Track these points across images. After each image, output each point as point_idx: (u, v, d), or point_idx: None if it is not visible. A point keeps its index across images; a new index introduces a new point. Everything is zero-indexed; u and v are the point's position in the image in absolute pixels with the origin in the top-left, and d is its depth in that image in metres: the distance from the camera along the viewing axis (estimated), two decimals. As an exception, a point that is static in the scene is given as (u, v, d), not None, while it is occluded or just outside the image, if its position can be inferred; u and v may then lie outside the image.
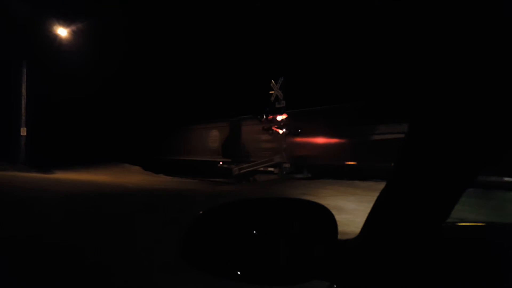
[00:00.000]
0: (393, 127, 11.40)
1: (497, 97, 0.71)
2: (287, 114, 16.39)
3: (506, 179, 9.45)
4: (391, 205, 0.90)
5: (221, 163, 20.48)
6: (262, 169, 17.03)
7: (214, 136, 22.01)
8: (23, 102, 18.54)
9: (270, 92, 17.06)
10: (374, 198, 0.93)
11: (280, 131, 16.43)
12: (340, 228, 0.98)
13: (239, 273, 0.95)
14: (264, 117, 16.88)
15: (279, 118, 16.48)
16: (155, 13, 26.61)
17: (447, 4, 0.75)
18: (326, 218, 1.00)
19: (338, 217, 0.97)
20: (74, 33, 19.04)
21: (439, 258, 0.94)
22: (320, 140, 15.57)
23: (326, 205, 1.03)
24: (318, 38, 20.62)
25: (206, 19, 26.06)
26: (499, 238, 1.17)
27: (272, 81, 17.02)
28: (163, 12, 26.77)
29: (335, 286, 0.99)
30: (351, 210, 7.33)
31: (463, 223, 1.30)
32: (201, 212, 1.00)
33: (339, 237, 1.00)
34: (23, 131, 18.38)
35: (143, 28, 26.85)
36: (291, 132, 16.20)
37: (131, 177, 16.88)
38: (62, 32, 18.89)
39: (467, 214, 6.28)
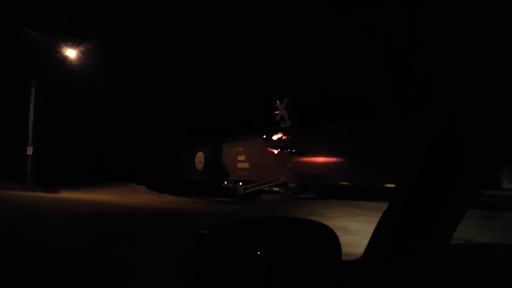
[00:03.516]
0: (397, 146, 11.34)
1: (498, 118, 0.71)
2: (292, 134, 16.41)
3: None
4: (393, 226, 0.89)
5: (225, 182, 20.45)
6: (267, 188, 16.96)
7: (216, 157, 22.03)
8: (31, 121, 18.70)
9: (276, 112, 17.14)
10: (381, 219, 0.92)
11: (285, 151, 16.42)
12: (347, 249, 0.97)
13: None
14: (270, 137, 16.92)
15: (284, 138, 16.51)
16: (172, 33, 27.18)
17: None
18: (330, 238, 0.99)
19: (345, 238, 0.97)
20: (81, 53, 19.35)
21: (444, 280, 0.92)
22: (326, 159, 15.50)
23: (332, 226, 1.02)
24: (323, 59, 20.82)
25: (218, 40, 26.56)
26: (506, 259, 1.14)
27: (277, 101, 17.12)
28: (180, 33, 27.35)
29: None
30: (358, 231, 7.24)
31: (469, 244, 1.28)
32: (205, 231, 0.99)
33: (347, 258, 0.98)
34: (30, 151, 18.48)
35: (152, 49, 27.33)
36: (296, 152, 16.19)
37: (136, 196, 16.86)
38: (71, 53, 19.20)
39: (475, 235, 6.18)
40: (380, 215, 0.94)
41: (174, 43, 27.55)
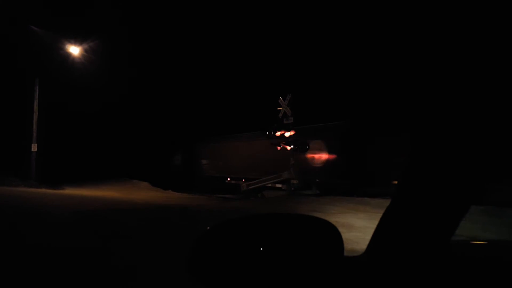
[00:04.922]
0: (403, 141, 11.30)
1: (501, 114, 0.71)
2: (295, 131, 16.39)
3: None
4: (395, 222, 0.89)
5: (228, 179, 20.47)
6: (270, 185, 16.97)
7: (223, 153, 21.99)
8: (35, 118, 18.76)
9: (278, 108, 17.12)
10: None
11: (288, 147, 16.41)
12: (350, 246, 0.98)
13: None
14: (272, 133, 16.89)
15: (287, 134, 16.48)
16: (173, 35, 27.21)
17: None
18: (332, 234, 0.99)
19: (348, 235, 0.97)
20: (86, 51, 19.37)
21: (448, 276, 0.92)
22: (329, 156, 15.48)
23: (335, 222, 1.02)
24: (326, 55, 20.77)
25: (219, 39, 26.57)
26: (507, 259, 1.14)
27: (280, 97, 17.09)
28: (181, 34, 27.42)
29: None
30: (361, 227, 7.24)
31: (474, 241, 1.28)
32: (208, 227, 1.00)
33: (349, 254, 0.98)
34: (34, 147, 18.54)
35: (156, 48, 27.38)
36: (299, 148, 16.17)
37: (140, 193, 16.91)
38: (74, 50, 19.22)
39: (479, 232, 6.17)
40: (383, 211, 0.94)
41: (176, 39, 27.57)
